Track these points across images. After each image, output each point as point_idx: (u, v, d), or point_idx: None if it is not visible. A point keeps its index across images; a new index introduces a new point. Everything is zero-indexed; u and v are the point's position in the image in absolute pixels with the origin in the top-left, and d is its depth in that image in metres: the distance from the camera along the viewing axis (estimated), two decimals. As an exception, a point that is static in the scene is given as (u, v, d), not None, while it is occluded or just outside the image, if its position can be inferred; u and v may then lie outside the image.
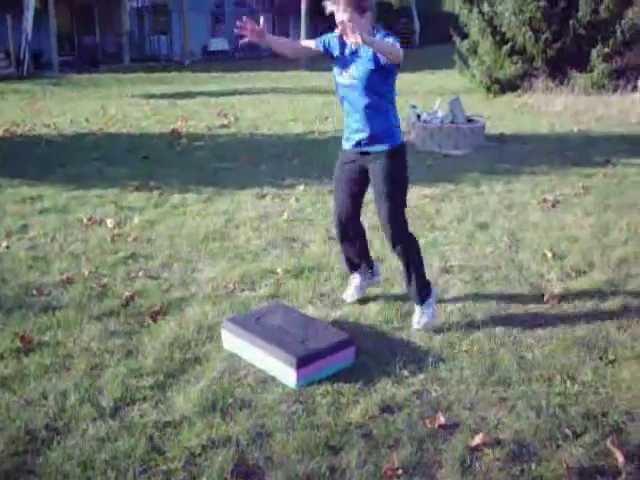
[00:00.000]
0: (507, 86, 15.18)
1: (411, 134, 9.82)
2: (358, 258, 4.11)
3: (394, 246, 3.74)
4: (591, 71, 14.22)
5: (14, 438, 2.84)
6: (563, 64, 14.57)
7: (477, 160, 8.67)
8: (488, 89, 15.38)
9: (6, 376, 3.35)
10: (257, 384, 3.28)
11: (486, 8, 15.32)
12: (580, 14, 14.23)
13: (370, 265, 4.18)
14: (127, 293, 4.37)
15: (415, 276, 3.81)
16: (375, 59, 3.44)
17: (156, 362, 3.49)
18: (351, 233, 3.97)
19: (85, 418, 3.01)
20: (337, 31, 3.39)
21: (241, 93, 16.50)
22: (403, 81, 19.71)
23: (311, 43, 3.76)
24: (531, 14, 14.33)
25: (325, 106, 13.89)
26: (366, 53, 3.48)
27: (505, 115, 12.60)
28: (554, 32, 14.41)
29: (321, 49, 3.69)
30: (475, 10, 15.34)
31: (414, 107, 10.14)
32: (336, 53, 3.64)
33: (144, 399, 3.16)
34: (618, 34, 14.06)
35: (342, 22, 3.34)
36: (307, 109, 13.56)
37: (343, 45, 3.60)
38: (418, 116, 9.89)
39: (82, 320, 3.99)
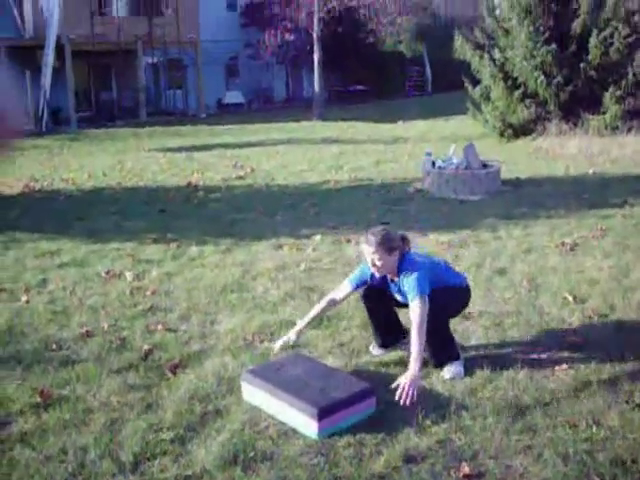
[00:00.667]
0: (520, 130, 15.23)
1: (426, 181, 9.88)
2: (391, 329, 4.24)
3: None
4: (604, 113, 14.26)
5: (35, 495, 2.83)
6: (576, 107, 14.63)
7: (493, 205, 8.69)
8: (502, 134, 15.43)
9: (26, 431, 3.35)
10: (278, 436, 3.25)
11: (497, 54, 15.49)
12: (591, 57, 14.35)
13: (404, 334, 4.23)
14: (146, 346, 4.37)
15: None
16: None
17: (176, 415, 3.48)
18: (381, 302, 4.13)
19: (105, 474, 2.99)
20: (372, 270, 3.86)
21: (256, 144, 16.59)
22: (417, 129, 20.07)
23: (347, 289, 4.05)
24: (542, 58, 14.45)
25: (340, 156, 13.94)
26: (404, 288, 3.82)
27: (520, 159, 12.60)
28: (565, 76, 14.50)
29: (357, 289, 4.07)
30: (486, 56, 15.51)
31: (429, 154, 10.18)
32: (369, 281, 4.03)
33: (164, 453, 3.14)
34: (630, 76, 14.11)
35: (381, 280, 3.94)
36: (322, 159, 13.60)
37: (376, 277, 3.97)
38: (433, 163, 9.93)
39: (101, 374, 4.00)
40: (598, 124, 14.15)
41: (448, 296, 3.89)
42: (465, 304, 4.14)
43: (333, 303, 4.11)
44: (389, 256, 3.78)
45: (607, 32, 14.26)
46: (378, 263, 3.77)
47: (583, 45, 14.51)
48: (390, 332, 4.20)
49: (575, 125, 14.50)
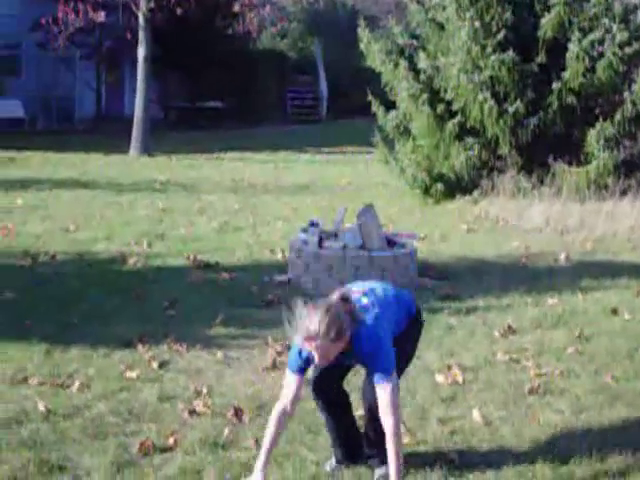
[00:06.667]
0: (456, 186, 15.13)
1: (295, 268, 9.44)
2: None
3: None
4: (587, 163, 14.19)
5: None
6: (543, 152, 14.56)
7: None
8: (426, 190, 15.31)
9: None
10: None
11: (423, 61, 15.30)
12: (568, 74, 14.18)
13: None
14: None
15: None
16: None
17: None
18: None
19: None
20: (316, 361, 4.41)
21: (28, 186, 16.41)
22: (295, 175, 20.03)
23: (293, 382, 4.56)
24: (492, 72, 14.29)
25: (164, 216, 13.79)
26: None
27: (452, 233, 12.64)
28: (529, 102, 14.42)
29: (304, 373, 4.63)
30: (403, 65, 15.29)
31: (314, 225, 9.62)
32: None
33: None
34: (627, 104, 14.05)
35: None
36: (133, 219, 13.37)
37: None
38: (320, 239, 9.42)
39: None
40: (577, 180, 14.02)
41: (409, 345, 4.84)
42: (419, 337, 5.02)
43: (288, 412, 4.55)
44: (339, 342, 4.31)
45: (595, 36, 14.15)
46: (324, 356, 4.32)
47: (557, 55, 14.46)
48: (354, 437, 4.93)
49: (541, 181, 14.35)
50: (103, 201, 15.20)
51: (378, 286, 4.87)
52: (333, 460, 4.91)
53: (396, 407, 4.36)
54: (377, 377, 4.38)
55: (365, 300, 4.58)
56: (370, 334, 4.41)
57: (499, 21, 14.53)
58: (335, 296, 4.45)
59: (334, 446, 4.92)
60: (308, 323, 4.24)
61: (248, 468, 4.71)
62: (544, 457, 4.96)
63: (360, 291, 4.68)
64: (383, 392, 4.36)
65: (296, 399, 4.59)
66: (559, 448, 5.13)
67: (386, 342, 4.44)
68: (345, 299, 4.44)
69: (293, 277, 9.47)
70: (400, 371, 4.63)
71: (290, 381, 4.56)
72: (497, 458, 5.01)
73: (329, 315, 4.25)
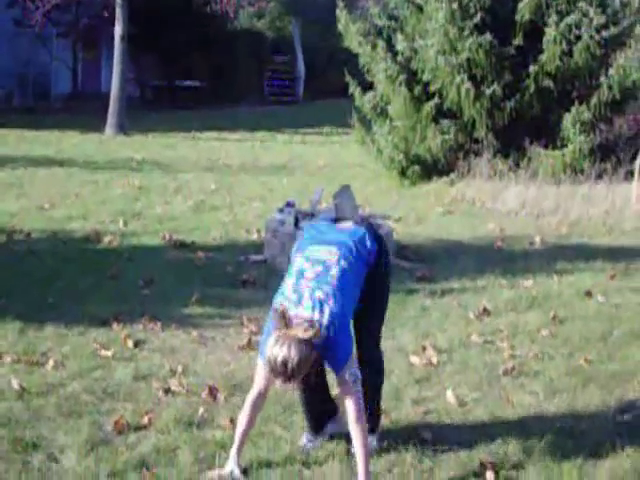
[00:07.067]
0: (432, 168, 15.16)
1: (270, 248, 9.42)
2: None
3: None
4: (563, 146, 14.24)
5: None
6: (519, 135, 14.60)
7: None
8: (403, 172, 15.31)
9: None
10: None
11: (401, 44, 15.27)
12: (545, 57, 14.23)
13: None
14: None
15: None
16: None
17: None
18: None
19: None
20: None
21: (6, 164, 16.36)
22: (272, 154, 19.98)
23: (266, 375, 4.45)
24: (469, 54, 14.31)
25: (140, 194, 13.74)
26: None
27: (427, 215, 12.65)
28: (506, 84, 14.43)
29: None
30: (381, 45, 15.27)
31: (290, 205, 9.60)
32: None
33: None
34: (604, 89, 14.11)
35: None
36: (108, 198, 13.26)
37: None
38: (297, 220, 9.38)
39: None
40: (553, 163, 14.07)
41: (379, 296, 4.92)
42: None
43: (261, 397, 4.60)
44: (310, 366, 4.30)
45: (572, 19, 14.15)
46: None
47: (534, 37, 14.45)
48: (325, 408, 5.05)
49: (517, 164, 14.39)
50: (79, 179, 15.13)
51: (332, 263, 4.58)
52: (305, 437, 4.98)
53: (361, 413, 4.38)
54: (340, 382, 4.42)
55: (315, 308, 4.37)
56: (328, 344, 4.33)
57: (477, 3, 14.43)
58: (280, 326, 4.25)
59: (307, 417, 5.01)
60: (284, 356, 4.14)
61: (222, 447, 4.72)
62: (517, 438, 4.98)
63: (310, 286, 4.45)
64: (349, 402, 4.38)
65: (267, 390, 4.60)
66: (532, 429, 5.15)
67: (343, 341, 4.43)
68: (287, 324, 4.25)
69: (269, 257, 9.44)
70: (381, 320, 4.94)
71: (261, 367, 4.51)
72: (470, 438, 5.02)
73: (298, 357, 4.15)
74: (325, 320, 4.31)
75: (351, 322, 4.62)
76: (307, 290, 4.41)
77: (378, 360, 4.98)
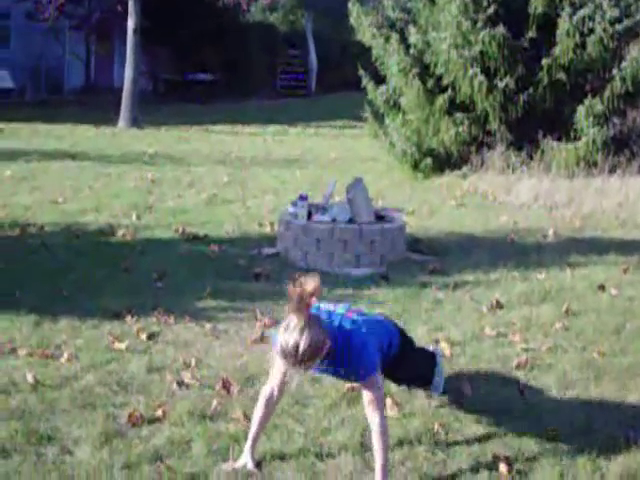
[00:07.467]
0: (445, 161, 15.17)
1: (283, 241, 9.40)
2: None
3: None
4: (576, 139, 14.20)
5: None
6: (532, 128, 14.58)
7: (392, 287, 8.27)
8: (415, 165, 15.29)
9: None
10: None
11: (413, 36, 15.27)
12: (559, 50, 14.23)
13: None
14: None
15: None
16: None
17: None
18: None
19: None
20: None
21: (16, 158, 16.32)
22: (285, 148, 19.98)
23: (282, 368, 4.50)
24: (482, 47, 14.29)
25: (153, 187, 13.73)
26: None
27: (440, 208, 12.62)
28: (519, 77, 14.42)
29: None
30: (395, 38, 15.26)
31: (303, 199, 9.54)
32: None
33: None
34: (617, 81, 14.08)
35: None
36: (122, 191, 13.27)
37: None
38: (309, 213, 9.38)
39: None
40: (566, 157, 14.04)
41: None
42: None
43: (275, 394, 4.63)
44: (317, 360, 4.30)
45: (585, 12, 14.17)
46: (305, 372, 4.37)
47: (548, 30, 14.43)
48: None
49: (531, 157, 14.40)
50: (92, 173, 15.12)
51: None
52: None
53: (383, 422, 4.41)
54: (362, 375, 4.49)
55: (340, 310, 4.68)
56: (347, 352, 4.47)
57: (490, -4, 14.43)
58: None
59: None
60: (293, 341, 4.20)
61: (236, 439, 4.73)
62: (530, 431, 4.98)
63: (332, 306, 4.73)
64: (368, 388, 4.45)
65: (283, 384, 4.61)
66: (545, 422, 5.14)
67: (369, 338, 4.56)
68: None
69: (282, 250, 9.43)
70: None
71: (278, 362, 4.50)
72: (483, 431, 5.03)
73: (308, 343, 4.20)
74: (337, 321, 4.53)
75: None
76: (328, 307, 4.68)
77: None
